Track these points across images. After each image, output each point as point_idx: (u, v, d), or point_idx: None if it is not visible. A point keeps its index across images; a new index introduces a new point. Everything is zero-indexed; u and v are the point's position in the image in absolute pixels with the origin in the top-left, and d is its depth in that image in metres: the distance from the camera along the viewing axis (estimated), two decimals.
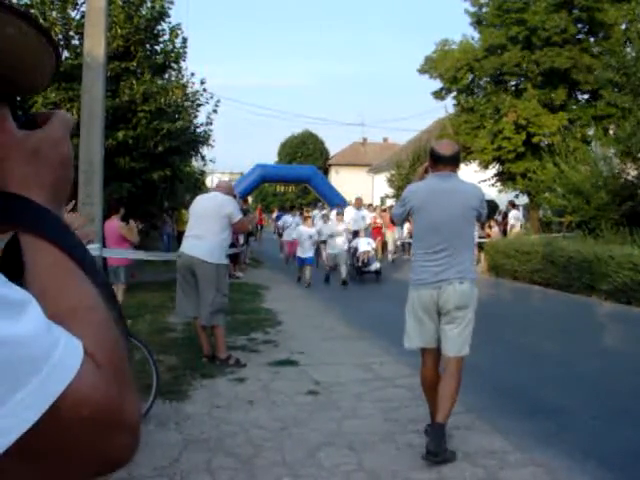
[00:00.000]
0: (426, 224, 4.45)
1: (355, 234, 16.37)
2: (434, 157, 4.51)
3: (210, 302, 6.61)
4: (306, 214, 19.08)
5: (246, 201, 22.63)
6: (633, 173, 15.57)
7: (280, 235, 22.96)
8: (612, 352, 7.67)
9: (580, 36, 22.33)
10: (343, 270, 14.49)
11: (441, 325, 4.42)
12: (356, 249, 15.33)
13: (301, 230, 15.23)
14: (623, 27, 22.17)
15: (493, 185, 25.13)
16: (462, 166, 24.58)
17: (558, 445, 4.62)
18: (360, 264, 15.09)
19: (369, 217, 18.91)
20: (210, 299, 6.61)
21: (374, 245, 16.27)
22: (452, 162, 4.48)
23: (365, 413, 3.93)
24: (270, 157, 69.08)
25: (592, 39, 22.55)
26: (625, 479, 4.12)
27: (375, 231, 19.96)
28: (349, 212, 17.68)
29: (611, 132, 19.22)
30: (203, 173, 27.17)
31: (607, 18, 21.23)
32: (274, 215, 33.66)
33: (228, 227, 6.86)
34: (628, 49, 18.87)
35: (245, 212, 16.46)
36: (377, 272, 15.10)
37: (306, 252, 14.50)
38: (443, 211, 4.35)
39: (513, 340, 8.05)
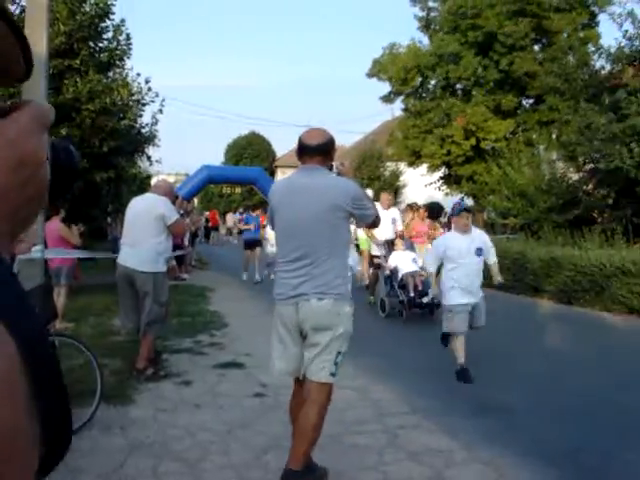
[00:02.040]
0: (282, 227, 3.80)
1: (389, 246, 11.12)
2: (299, 147, 3.81)
3: (147, 312, 6.28)
4: None
5: (189, 202, 22.34)
6: (575, 177, 15.97)
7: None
8: (554, 351, 7.83)
9: (531, 42, 22.86)
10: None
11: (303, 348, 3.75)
12: (396, 270, 10.40)
13: None
14: (565, 35, 22.82)
15: (439, 188, 25.52)
16: (408, 169, 24.76)
17: (503, 443, 4.68)
18: (413, 293, 9.92)
19: (399, 220, 12.03)
20: (147, 309, 6.28)
21: (421, 262, 10.00)
22: (319, 153, 3.73)
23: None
24: (216, 158, 68.58)
25: (537, 46, 23.10)
26: (569, 474, 4.20)
27: None
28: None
29: (554, 137, 19.71)
30: (149, 176, 26.81)
31: (553, 26, 21.82)
32: (238, 216, 30.24)
33: (164, 230, 6.34)
34: (570, 57, 19.40)
35: (187, 213, 16.26)
36: (437, 304, 9.16)
37: None
38: (300, 211, 3.66)
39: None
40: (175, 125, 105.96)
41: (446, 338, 6.94)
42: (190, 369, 6.68)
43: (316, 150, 3.72)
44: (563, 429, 5.07)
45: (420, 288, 9.94)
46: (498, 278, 7.25)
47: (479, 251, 6.65)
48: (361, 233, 12.27)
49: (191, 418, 5.13)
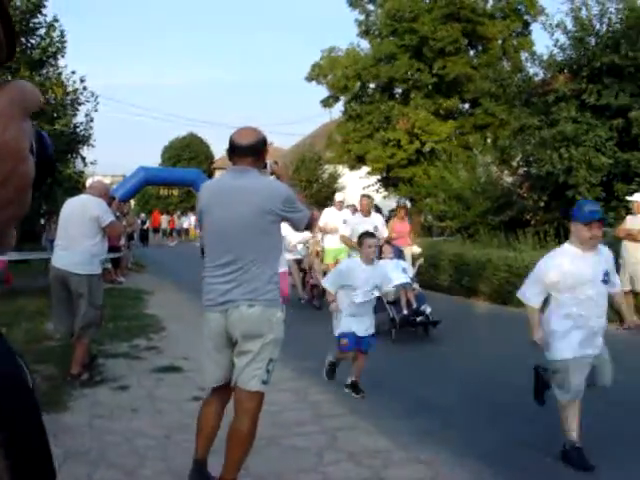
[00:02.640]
0: (210, 231, 3.68)
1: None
2: (229, 147, 3.69)
3: (81, 315, 6.12)
4: None
5: (125, 204, 21.92)
6: (509, 180, 16.35)
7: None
8: (488, 350, 8.00)
9: (465, 47, 23.32)
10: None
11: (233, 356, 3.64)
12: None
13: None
14: (500, 42, 23.41)
15: (377, 191, 25.76)
16: (347, 171, 24.79)
17: (440, 442, 4.77)
18: (407, 310, 8.67)
19: (382, 225, 10.60)
20: (82, 312, 6.12)
21: (412, 272, 9.41)
22: (250, 153, 3.59)
23: None
24: (154, 159, 67.59)
25: (473, 51, 23.60)
26: (504, 471, 4.30)
27: None
28: (350, 219, 10.77)
29: (489, 140, 20.16)
30: (82, 174, 26.21)
31: (487, 32, 22.34)
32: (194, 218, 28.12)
33: (99, 232, 6.21)
34: (504, 62, 19.90)
35: (124, 215, 15.99)
36: (434, 321, 8.70)
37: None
38: (229, 215, 3.53)
39: (396, 341, 8.25)
40: (111, 125, 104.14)
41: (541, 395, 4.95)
42: (127, 374, 6.57)
43: (247, 150, 3.59)
44: (497, 426, 5.20)
45: (414, 305, 8.69)
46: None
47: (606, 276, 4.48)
48: (331, 242, 10.97)
49: (128, 424, 5.05)
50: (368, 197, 10.81)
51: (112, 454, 4.41)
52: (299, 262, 11.55)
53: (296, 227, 3.84)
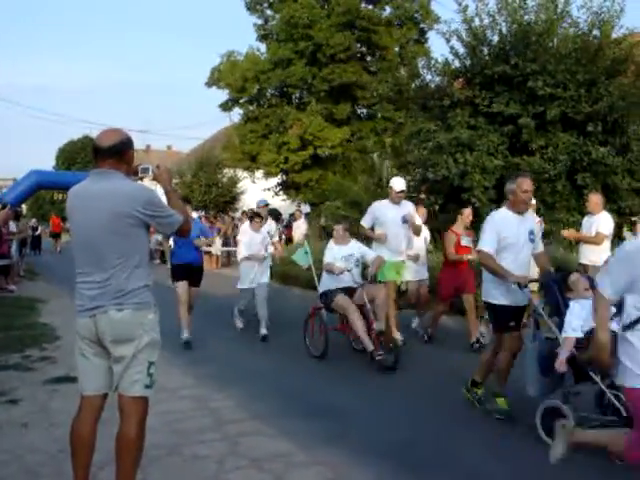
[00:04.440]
0: (75, 236, 3.58)
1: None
2: (92, 149, 3.59)
3: None
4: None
5: (18, 209, 20.96)
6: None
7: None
8: None
9: (360, 55, 23.75)
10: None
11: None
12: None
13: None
14: (397, 49, 23.97)
15: (276, 194, 25.85)
16: (247, 176, 24.59)
17: (341, 444, 4.80)
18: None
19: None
20: None
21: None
22: (110, 155, 3.48)
23: (149, 426, 3.82)
24: (47, 163, 65.19)
25: (370, 58, 24.06)
26: (404, 469, 4.37)
27: None
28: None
29: (387, 145, 20.53)
30: None
31: (383, 40, 22.83)
32: None
33: None
34: (402, 69, 20.33)
35: (17, 219, 15.32)
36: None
37: None
38: (88, 219, 3.44)
39: (298, 345, 8.26)
40: (1, 126, 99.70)
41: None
42: (18, 386, 6.28)
43: (107, 152, 3.47)
44: (396, 425, 5.29)
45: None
46: None
47: None
48: (386, 254, 8.01)
49: (19, 440, 4.83)
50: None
51: (0, 473, 4.20)
52: (351, 292, 7.60)
53: (164, 232, 3.78)
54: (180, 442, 4.80)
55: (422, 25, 23.99)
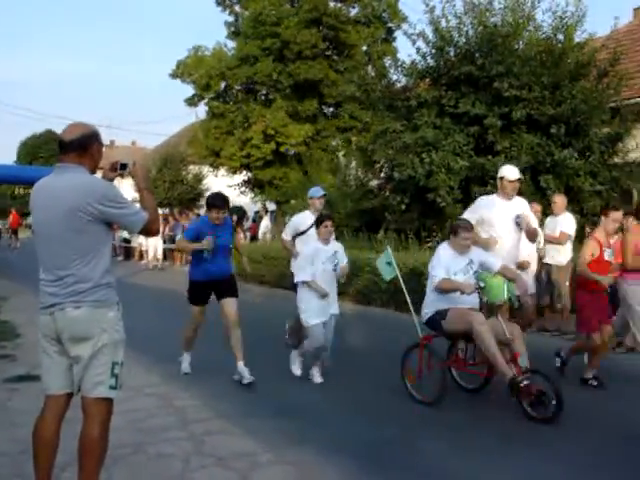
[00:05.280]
0: (36, 232, 3.52)
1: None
2: (58, 143, 3.55)
3: None
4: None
5: None
6: (373, 183, 16.76)
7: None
8: (354, 350, 8.18)
9: (328, 52, 23.74)
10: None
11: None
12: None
13: None
14: (365, 48, 24.02)
15: (243, 193, 25.74)
16: (212, 173, 24.40)
17: (308, 443, 4.80)
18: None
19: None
20: None
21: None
22: (73, 149, 3.43)
23: (114, 425, 3.76)
24: (8, 157, 64.10)
25: (337, 56, 24.06)
26: (372, 467, 4.39)
27: None
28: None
29: (354, 144, 20.58)
30: None
31: (350, 39, 22.87)
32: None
33: None
34: (369, 68, 20.39)
35: None
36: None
37: None
38: (47, 215, 3.39)
39: (264, 343, 8.23)
40: None
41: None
42: None
43: (69, 146, 3.42)
44: (363, 423, 5.31)
45: None
46: None
47: None
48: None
49: None
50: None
51: None
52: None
53: (128, 230, 3.73)
54: (145, 441, 4.76)
55: (390, 25, 24.06)
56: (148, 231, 3.59)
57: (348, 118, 22.23)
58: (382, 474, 4.31)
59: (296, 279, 6.79)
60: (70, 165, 3.42)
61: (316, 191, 7.77)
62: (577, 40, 13.36)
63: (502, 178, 6.85)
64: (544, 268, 9.24)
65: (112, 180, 3.76)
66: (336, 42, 23.36)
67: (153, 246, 21.97)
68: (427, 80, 14.54)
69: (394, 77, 15.21)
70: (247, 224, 25.39)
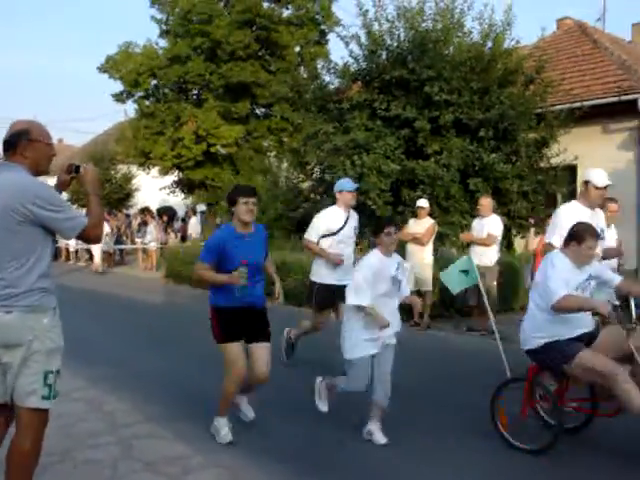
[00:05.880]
0: None
1: None
2: None
3: None
4: None
5: None
6: (305, 185, 16.77)
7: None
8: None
9: (260, 53, 23.67)
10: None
11: None
12: None
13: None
14: (298, 49, 24.06)
15: (173, 193, 25.45)
16: (142, 172, 23.90)
17: (241, 447, 4.75)
18: None
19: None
20: None
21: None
22: (8, 148, 3.32)
23: None
24: None
25: (270, 57, 24.01)
26: (303, 469, 4.39)
27: None
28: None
29: (285, 145, 20.60)
30: None
31: (282, 40, 22.86)
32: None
33: None
34: (302, 69, 20.43)
35: None
36: None
37: None
38: None
39: (193, 347, 8.12)
40: None
41: None
42: None
43: (4, 145, 3.32)
44: (297, 426, 5.29)
45: None
46: None
47: None
48: None
49: None
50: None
51: None
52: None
53: (62, 235, 3.47)
54: (72, 447, 4.65)
55: (323, 27, 24.15)
56: (87, 238, 3.43)
57: (280, 119, 22.22)
58: (315, 477, 4.30)
59: (349, 301, 4.95)
60: (6, 163, 3.29)
61: (347, 183, 6.81)
62: (505, 47, 13.74)
63: (587, 182, 5.64)
64: None
65: (66, 182, 3.64)
66: (268, 43, 23.30)
67: (98, 249, 20.78)
68: (359, 83, 14.65)
69: (326, 79, 15.27)
70: (177, 224, 25.09)
